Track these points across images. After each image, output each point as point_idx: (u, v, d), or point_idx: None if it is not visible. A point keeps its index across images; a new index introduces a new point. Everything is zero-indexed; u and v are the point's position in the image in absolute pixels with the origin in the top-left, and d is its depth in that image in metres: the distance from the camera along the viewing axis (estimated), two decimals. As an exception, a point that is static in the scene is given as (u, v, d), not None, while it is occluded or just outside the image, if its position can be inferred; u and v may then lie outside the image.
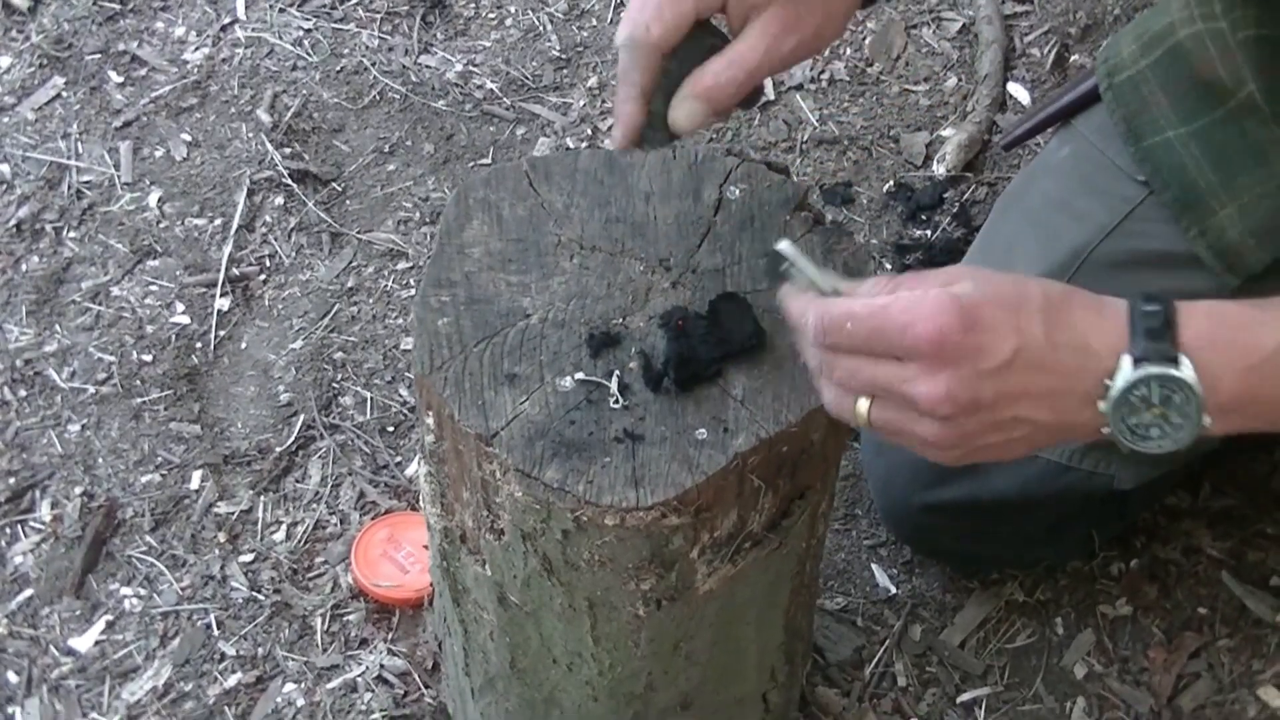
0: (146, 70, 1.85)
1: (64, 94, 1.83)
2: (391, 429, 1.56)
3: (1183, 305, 0.68)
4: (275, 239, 1.70)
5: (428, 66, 1.85)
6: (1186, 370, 0.68)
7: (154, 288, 1.64)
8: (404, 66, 1.85)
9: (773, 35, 0.79)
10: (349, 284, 1.67)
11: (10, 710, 1.33)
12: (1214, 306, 0.70)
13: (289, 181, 1.74)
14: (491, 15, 1.90)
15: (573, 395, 0.85)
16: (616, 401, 0.84)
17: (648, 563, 0.82)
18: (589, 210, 0.94)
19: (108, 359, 1.59)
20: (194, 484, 1.50)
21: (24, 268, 1.67)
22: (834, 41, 0.83)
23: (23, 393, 1.57)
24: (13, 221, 1.71)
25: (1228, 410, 0.68)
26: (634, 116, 0.86)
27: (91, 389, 1.57)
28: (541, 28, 1.88)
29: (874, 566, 1.43)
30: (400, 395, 1.58)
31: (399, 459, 1.54)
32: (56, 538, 1.45)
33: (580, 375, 0.85)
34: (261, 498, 1.49)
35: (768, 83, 1.86)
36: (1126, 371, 0.68)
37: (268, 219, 1.72)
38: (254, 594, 1.41)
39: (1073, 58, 1.82)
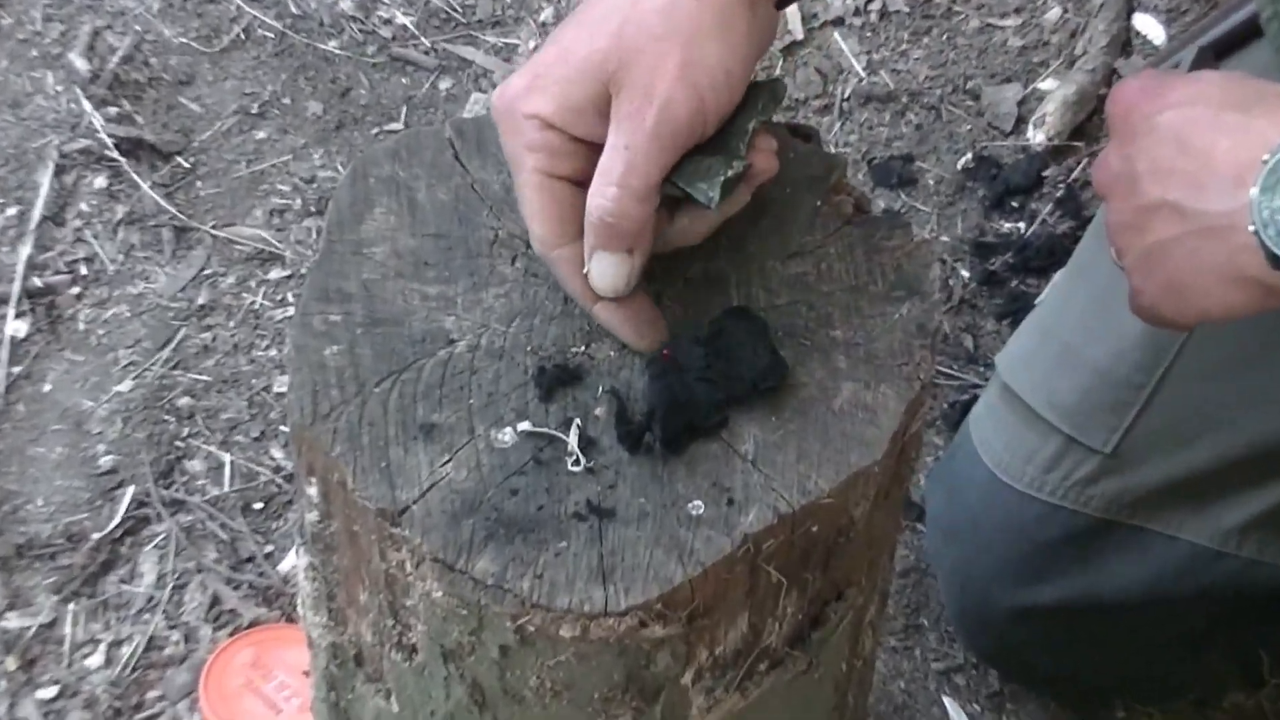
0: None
1: None
2: (259, 506, 1.57)
3: None
4: (94, 236, 1.69)
5: (313, -8, 1.85)
6: None
7: (-87, 305, 1.61)
8: (280, -8, 1.85)
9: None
10: (200, 300, 1.67)
11: None
12: None
13: (114, 155, 1.72)
14: (405, -81, 1.90)
15: (515, 454, 0.87)
16: (577, 463, 0.86)
17: (621, 691, 0.84)
18: (540, 194, 0.94)
19: None
20: (-31, 586, 1.48)
21: None
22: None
23: None
24: None
25: None
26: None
27: None
28: (474, -62, 1.89)
29: (946, 700, 1.46)
30: (272, 457, 1.59)
31: (269, 548, 1.54)
32: None
33: (526, 426, 0.88)
34: (70, 605, 1.47)
35: (794, 18, 1.83)
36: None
37: (84, 208, 1.71)
38: (58, 746, 1.38)
39: (1221, -20, 1.86)
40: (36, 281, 1.62)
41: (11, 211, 1.67)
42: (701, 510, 0.84)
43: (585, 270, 0.87)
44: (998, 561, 1.29)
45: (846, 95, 1.79)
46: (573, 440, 0.87)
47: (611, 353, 0.92)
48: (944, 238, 1.69)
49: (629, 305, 0.88)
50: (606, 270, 0.86)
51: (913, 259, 0.95)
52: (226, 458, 1.55)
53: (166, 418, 1.57)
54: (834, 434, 0.88)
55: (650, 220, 0.84)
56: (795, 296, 0.96)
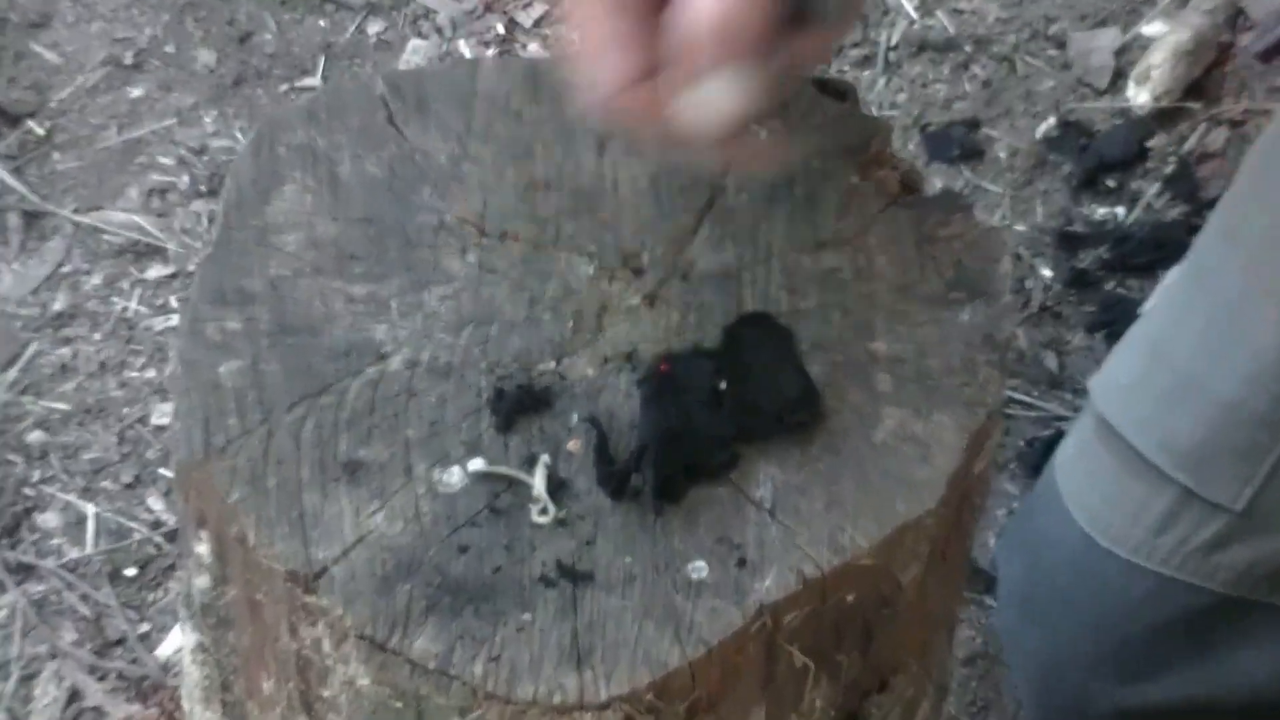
0: None
1: None
2: (131, 572, 1.56)
3: None
4: (-85, 223, 1.68)
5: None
6: None
7: None
8: (162, -94, 1.85)
9: None
10: (57, 305, 1.67)
11: None
12: None
13: (-57, 118, 1.72)
14: None
15: (465, 500, 0.88)
16: (544, 511, 0.87)
17: (601, 808, 0.83)
18: (496, 167, 0.98)
19: None
20: None
21: None
22: None
23: None
24: None
25: None
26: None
27: None
28: None
29: (1025, 827, 1.46)
30: (149, 509, 1.59)
31: (144, 627, 1.53)
32: None
33: (479, 465, 0.89)
34: (-113, 701, 1.48)
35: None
36: None
37: (-100, 186, 1.71)
38: None
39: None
40: None
41: None
42: (705, 573, 0.85)
43: (679, 106, 0.81)
44: (1095, 649, 1.30)
45: (893, 43, 1.79)
46: (539, 483, 0.87)
47: (590, 370, 0.93)
48: (1019, 226, 1.71)
49: (747, 138, 0.84)
50: (725, 91, 0.79)
51: (976, 251, 0.97)
52: (90, 509, 1.54)
53: (12, 457, 1.56)
54: (875, 475, 0.88)
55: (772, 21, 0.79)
56: (826, 298, 0.96)
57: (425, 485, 0.88)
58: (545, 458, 0.89)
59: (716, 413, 0.90)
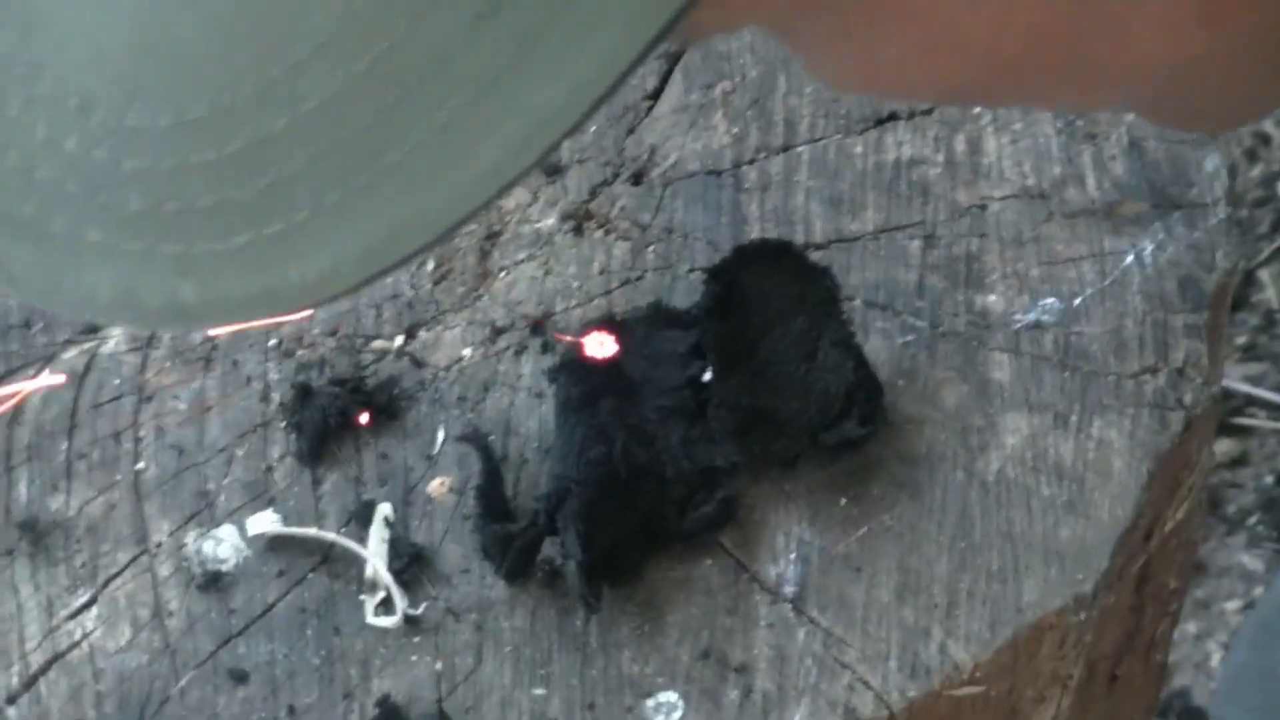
0: None
1: None
2: None
3: None
4: None
5: None
6: None
7: None
8: None
9: None
10: None
11: None
12: None
13: None
14: None
15: (243, 587, 0.77)
16: (385, 606, 0.76)
17: None
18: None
19: None
20: None
21: None
22: None
23: None
24: None
25: None
26: None
27: None
28: None
29: None
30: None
31: None
32: None
33: (265, 522, 0.78)
34: None
35: None
36: None
37: None
38: None
39: None
40: None
41: None
42: (678, 714, 0.75)
43: None
44: None
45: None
46: (374, 555, 0.76)
47: (465, 351, 0.83)
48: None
49: None
50: None
51: (1167, 132, 0.86)
52: None
53: None
54: (984, 537, 0.79)
55: None
56: (893, 214, 0.87)
57: (171, 561, 0.78)
58: (387, 508, 0.78)
59: (695, 424, 0.79)
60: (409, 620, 0.76)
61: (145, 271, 0.54)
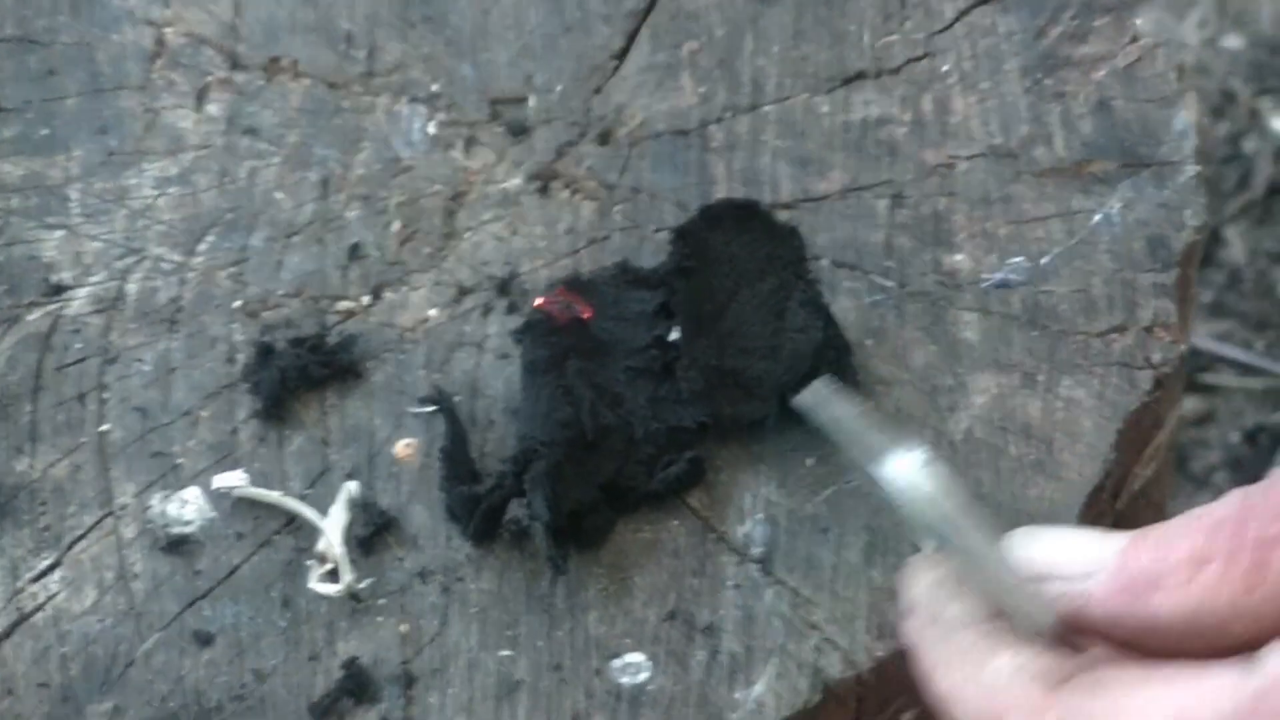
0: None
1: None
2: None
3: None
4: None
5: None
6: None
7: None
8: None
9: None
10: None
11: None
12: None
13: None
14: None
15: (209, 549, 0.77)
16: (331, 575, 0.75)
17: None
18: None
19: None
20: None
21: None
22: None
23: None
24: None
25: None
26: None
27: None
28: None
29: None
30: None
31: None
32: None
33: (231, 479, 0.77)
34: None
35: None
36: None
37: None
38: None
39: None
40: None
41: None
42: (645, 675, 0.74)
43: None
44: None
45: None
46: (332, 522, 0.75)
47: (431, 311, 0.83)
48: (1228, 40, 1.71)
49: None
50: None
51: (1136, 88, 0.87)
52: None
53: None
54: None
55: None
56: (861, 175, 0.88)
57: (135, 523, 0.77)
58: (353, 486, 0.77)
59: (662, 385, 0.79)
60: (354, 597, 0.76)
61: None
